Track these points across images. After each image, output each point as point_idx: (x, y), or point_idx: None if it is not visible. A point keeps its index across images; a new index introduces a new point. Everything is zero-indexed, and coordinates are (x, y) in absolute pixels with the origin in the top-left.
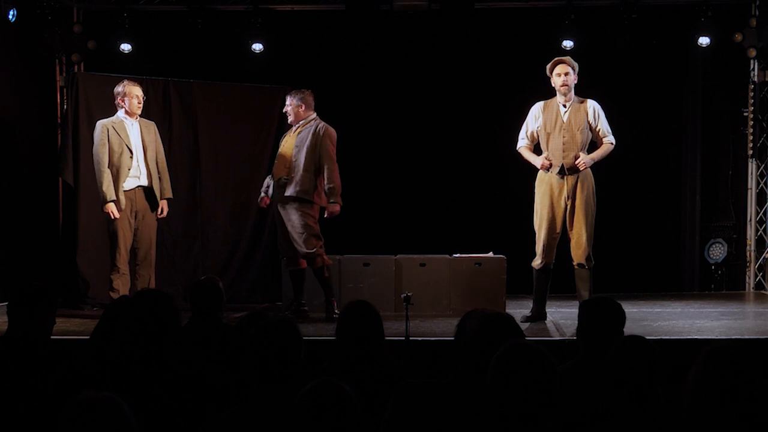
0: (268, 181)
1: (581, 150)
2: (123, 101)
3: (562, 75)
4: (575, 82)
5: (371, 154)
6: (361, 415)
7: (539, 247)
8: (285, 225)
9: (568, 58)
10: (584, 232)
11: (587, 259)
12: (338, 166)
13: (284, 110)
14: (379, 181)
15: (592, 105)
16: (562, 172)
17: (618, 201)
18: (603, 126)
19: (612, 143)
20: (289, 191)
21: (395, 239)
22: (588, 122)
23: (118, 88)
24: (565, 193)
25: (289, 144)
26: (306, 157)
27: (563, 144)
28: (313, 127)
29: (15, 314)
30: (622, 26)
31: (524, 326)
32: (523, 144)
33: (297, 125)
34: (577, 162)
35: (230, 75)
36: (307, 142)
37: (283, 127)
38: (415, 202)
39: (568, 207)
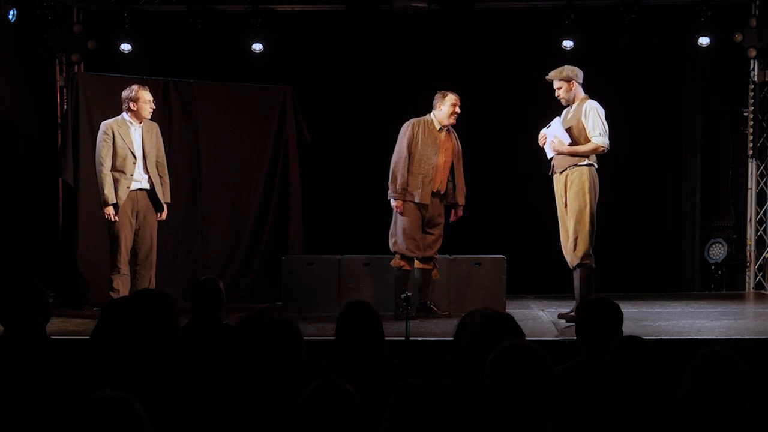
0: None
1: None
2: (134, 106)
3: (557, 90)
4: (572, 89)
5: (371, 154)
6: (364, 416)
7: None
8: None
9: (552, 74)
10: (574, 231)
11: (583, 257)
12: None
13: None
14: (379, 180)
15: (585, 105)
16: (552, 172)
17: (618, 201)
18: (589, 125)
19: (597, 144)
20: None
21: None
22: (579, 123)
23: (128, 93)
24: (559, 193)
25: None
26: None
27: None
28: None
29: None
30: (622, 26)
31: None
32: None
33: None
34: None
35: (230, 75)
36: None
37: (284, 127)
38: None
39: (563, 206)
